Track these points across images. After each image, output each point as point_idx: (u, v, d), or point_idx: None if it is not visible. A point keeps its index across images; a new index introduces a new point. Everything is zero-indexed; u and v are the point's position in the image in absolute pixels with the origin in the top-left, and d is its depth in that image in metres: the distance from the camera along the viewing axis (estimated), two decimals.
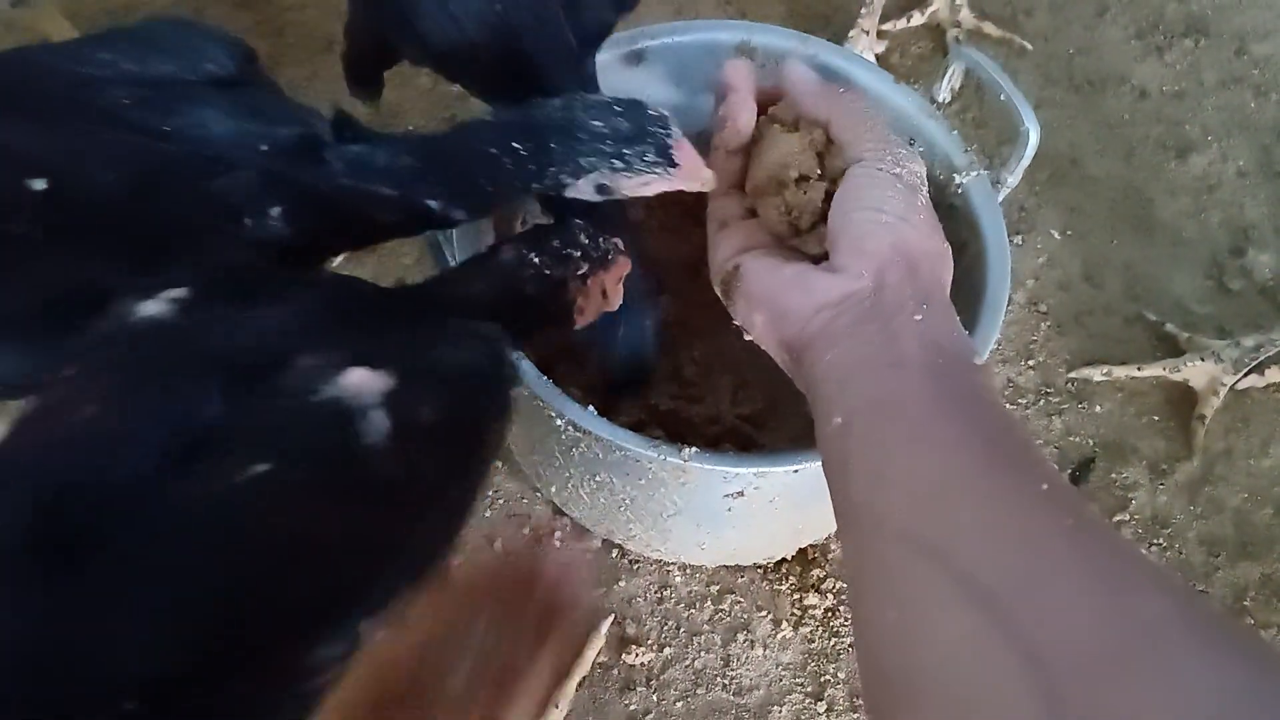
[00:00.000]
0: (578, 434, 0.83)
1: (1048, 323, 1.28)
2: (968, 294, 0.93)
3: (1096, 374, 1.24)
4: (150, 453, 0.46)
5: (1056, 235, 1.35)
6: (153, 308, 0.54)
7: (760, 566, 1.10)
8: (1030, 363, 1.25)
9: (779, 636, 1.07)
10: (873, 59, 1.43)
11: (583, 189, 0.72)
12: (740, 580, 1.10)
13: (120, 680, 0.42)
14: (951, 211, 0.98)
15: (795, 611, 1.08)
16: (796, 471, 0.82)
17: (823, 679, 1.05)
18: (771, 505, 0.91)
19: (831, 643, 1.07)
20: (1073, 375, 1.24)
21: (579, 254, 0.73)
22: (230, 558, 0.45)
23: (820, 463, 0.79)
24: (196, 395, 0.49)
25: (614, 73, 1.03)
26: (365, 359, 0.52)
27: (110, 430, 0.47)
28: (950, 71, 1.01)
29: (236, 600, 0.45)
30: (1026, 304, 1.29)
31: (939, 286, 0.69)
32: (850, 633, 1.07)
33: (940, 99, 1.03)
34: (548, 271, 0.72)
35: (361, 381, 0.51)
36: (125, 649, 0.42)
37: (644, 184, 0.72)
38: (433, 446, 0.54)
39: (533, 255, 0.72)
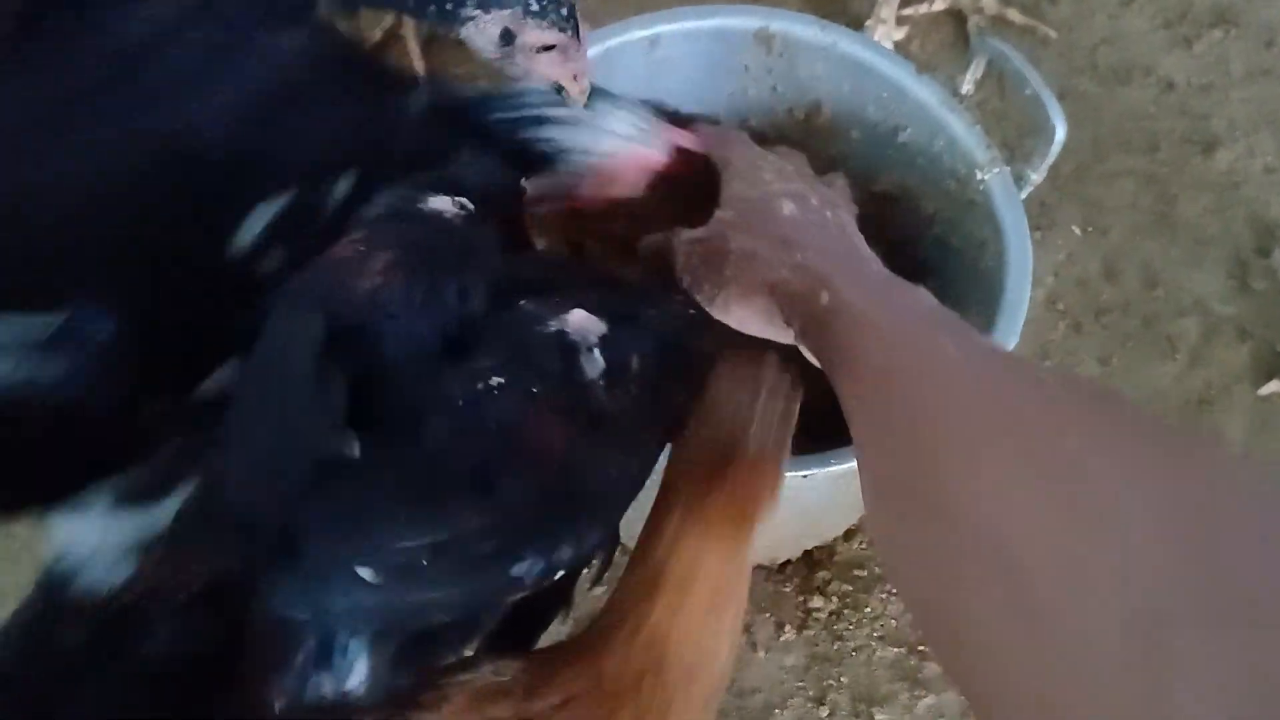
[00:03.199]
0: None
1: (1066, 321, 1.25)
2: (986, 295, 0.90)
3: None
4: (430, 336, 0.55)
5: (1077, 231, 1.32)
6: (443, 204, 0.61)
7: (764, 568, 1.08)
8: (1047, 363, 1.22)
9: (782, 639, 1.05)
10: (892, 46, 1.39)
11: (485, 29, 0.70)
12: None
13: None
14: (972, 208, 0.95)
15: (799, 614, 1.06)
16: (806, 477, 0.80)
17: (825, 683, 1.03)
18: (779, 510, 0.89)
19: (835, 646, 1.04)
20: (1261, 392, 1.21)
21: None
22: (474, 452, 0.52)
23: (829, 469, 0.77)
24: (472, 299, 0.57)
25: (630, 56, 1.00)
26: (587, 305, 0.59)
27: (403, 301, 0.54)
28: (975, 64, 0.98)
29: (472, 493, 0.51)
30: (1044, 302, 1.26)
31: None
32: (853, 637, 1.05)
33: (964, 91, 1.00)
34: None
35: (583, 321, 0.58)
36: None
37: (545, 39, 0.71)
38: (637, 392, 0.59)
39: None
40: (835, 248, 0.73)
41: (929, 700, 1.02)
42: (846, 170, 1.06)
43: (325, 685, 0.50)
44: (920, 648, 1.04)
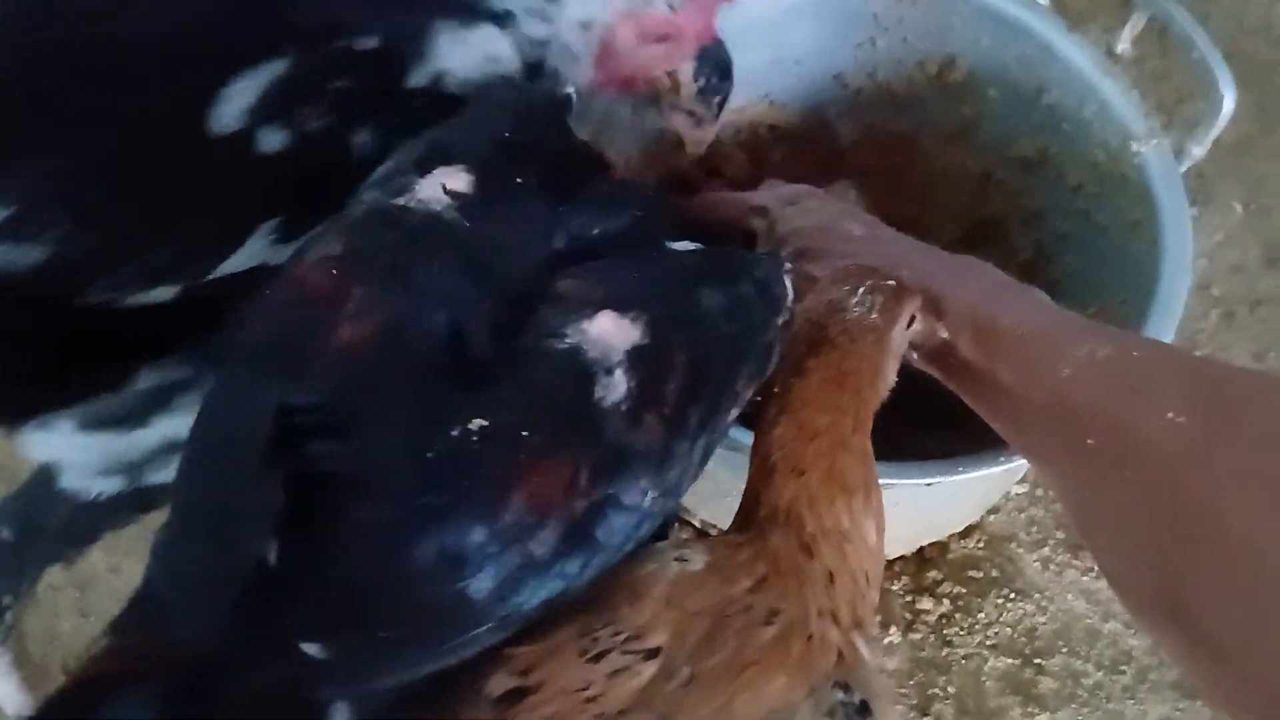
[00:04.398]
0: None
1: (1218, 310, 1.14)
2: (1135, 282, 0.81)
3: None
4: (415, 395, 0.46)
5: (1238, 209, 1.20)
6: (432, 192, 0.51)
7: None
8: (1197, 354, 1.11)
9: (886, 641, 0.97)
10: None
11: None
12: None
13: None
14: (1123, 184, 0.85)
15: (906, 615, 0.98)
16: (930, 485, 0.72)
17: (930, 691, 0.95)
18: (894, 509, 0.82)
19: (943, 653, 0.97)
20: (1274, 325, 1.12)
21: None
22: (453, 503, 0.45)
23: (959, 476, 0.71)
24: (471, 334, 0.48)
25: (758, 4, 0.93)
26: (625, 296, 0.50)
27: (381, 361, 0.46)
28: (1134, 20, 0.88)
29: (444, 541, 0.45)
30: (1196, 287, 1.14)
31: None
32: (963, 644, 0.97)
33: (1119, 50, 0.90)
34: None
35: (609, 331, 0.49)
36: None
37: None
38: (674, 412, 0.51)
39: None
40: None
41: (1042, 718, 0.94)
42: (980, 132, 0.97)
43: None
44: (1037, 660, 0.96)
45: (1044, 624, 0.98)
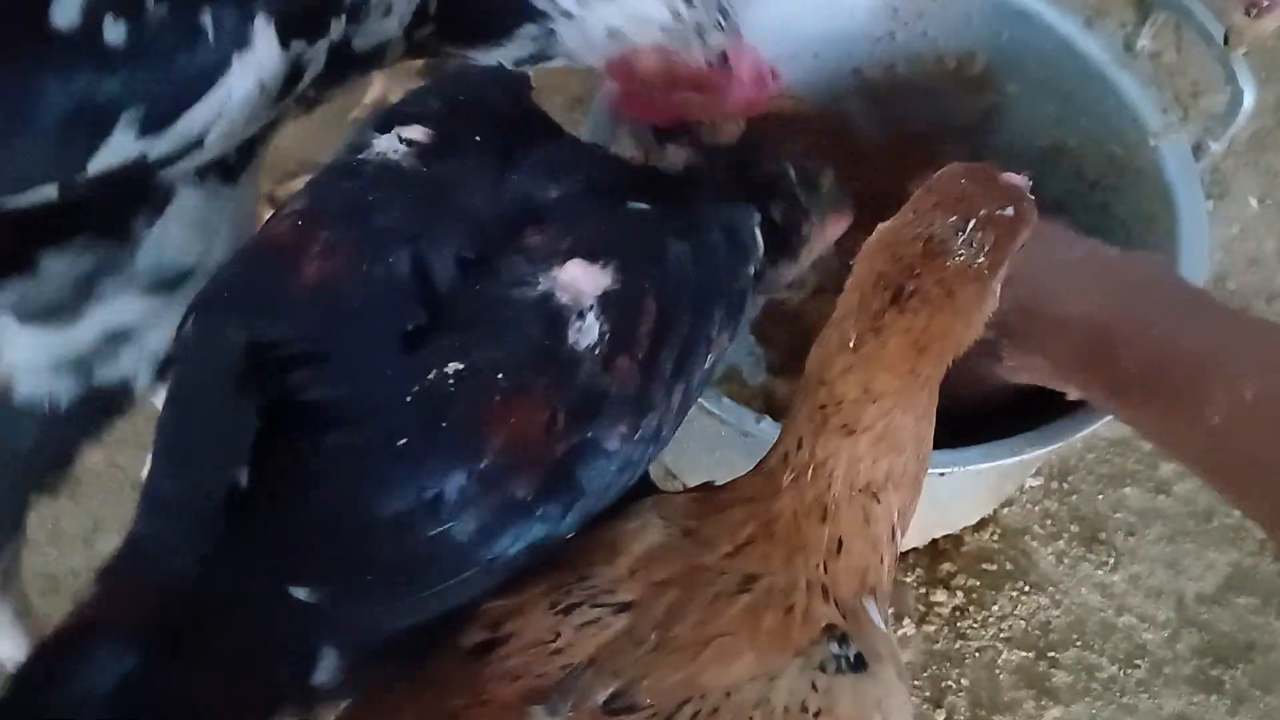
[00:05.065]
0: (699, 412, 0.75)
1: (1235, 303, 1.14)
2: None
3: None
4: (386, 329, 0.47)
5: (1254, 203, 1.20)
6: (388, 144, 0.53)
7: None
8: None
9: (899, 633, 0.98)
10: None
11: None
12: None
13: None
14: (1140, 177, 0.86)
15: (920, 607, 0.99)
16: (943, 475, 0.73)
17: (944, 684, 0.96)
18: None
19: (957, 645, 0.97)
20: None
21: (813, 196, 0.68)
22: (430, 445, 0.46)
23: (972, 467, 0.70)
24: (435, 266, 0.49)
25: None
26: (591, 246, 0.51)
27: (349, 294, 0.48)
28: (1153, 18, 0.88)
29: (414, 510, 0.46)
30: (1212, 281, 1.15)
31: None
32: (976, 636, 0.98)
33: (1139, 46, 0.90)
34: (796, 199, 0.66)
35: (578, 278, 0.50)
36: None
37: None
38: (648, 356, 0.51)
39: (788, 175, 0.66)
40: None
41: (1055, 711, 0.94)
42: (1000, 126, 0.98)
43: (292, 683, 0.49)
44: (1051, 653, 0.96)
45: (1058, 617, 0.98)
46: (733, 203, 0.59)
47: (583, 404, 0.49)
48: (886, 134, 1.01)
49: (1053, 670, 0.96)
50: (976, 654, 0.97)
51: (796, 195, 0.66)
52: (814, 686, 0.47)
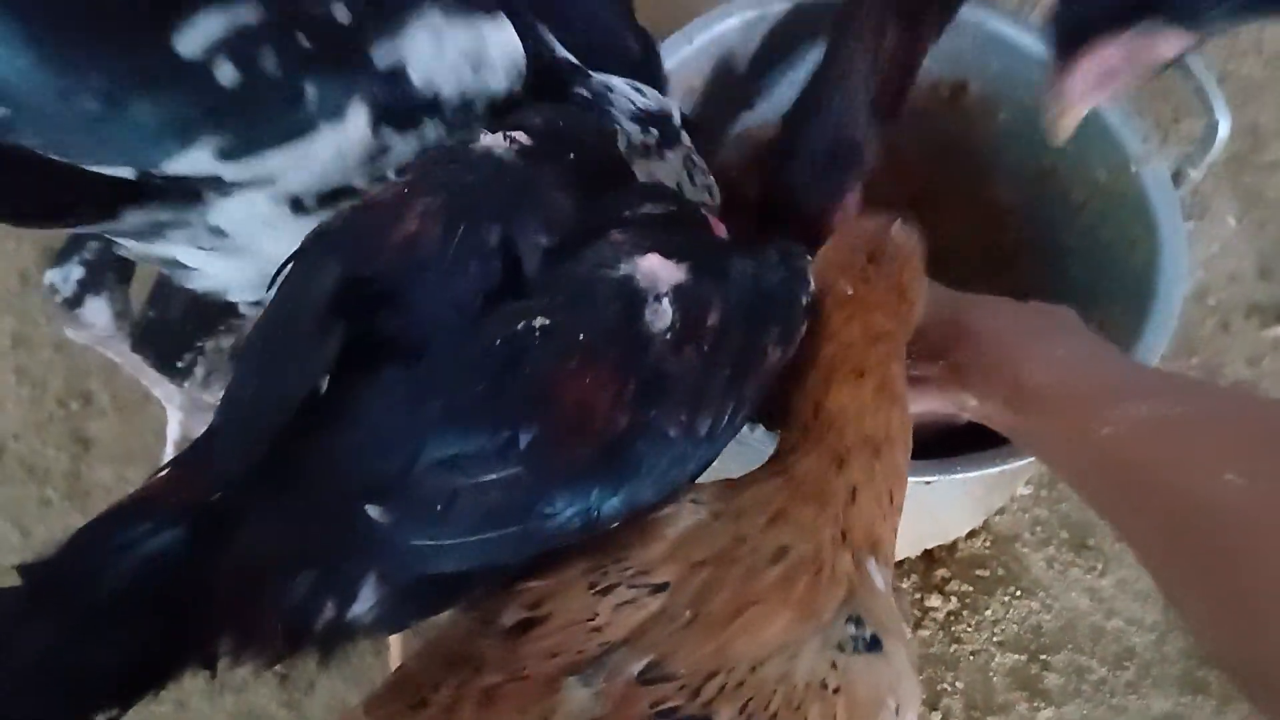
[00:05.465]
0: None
1: (1214, 318, 1.18)
2: (1135, 293, 0.85)
3: None
4: (467, 286, 0.51)
5: (1232, 222, 1.24)
6: (493, 141, 0.57)
7: None
8: (1194, 360, 1.16)
9: None
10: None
11: None
12: None
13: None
14: (1124, 201, 0.90)
15: (915, 612, 1.02)
16: (929, 484, 0.77)
17: (939, 686, 0.99)
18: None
19: (952, 649, 1.01)
20: (1265, 333, 1.17)
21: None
22: (501, 393, 0.50)
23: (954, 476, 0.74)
24: (521, 245, 0.53)
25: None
26: (669, 248, 0.55)
27: (436, 252, 0.52)
28: None
29: (493, 439, 0.49)
30: (1194, 296, 1.19)
31: None
32: (971, 640, 1.01)
33: None
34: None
35: (656, 267, 0.54)
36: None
37: None
38: (711, 351, 0.55)
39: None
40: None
41: (1048, 712, 0.98)
42: (991, 153, 1.02)
43: (328, 613, 0.50)
44: (1042, 656, 1.00)
45: (1049, 621, 1.02)
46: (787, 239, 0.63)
47: (650, 383, 0.52)
48: (882, 159, 1.05)
49: (1045, 672, 1.00)
50: (971, 657, 1.01)
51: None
52: (833, 665, 0.50)
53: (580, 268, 0.53)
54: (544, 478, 0.51)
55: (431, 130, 0.64)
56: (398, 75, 0.61)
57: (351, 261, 0.51)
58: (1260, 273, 1.22)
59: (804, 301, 0.61)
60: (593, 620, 0.51)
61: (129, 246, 0.66)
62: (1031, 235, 1.02)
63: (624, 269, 0.53)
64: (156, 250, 0.65)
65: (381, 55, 0.60)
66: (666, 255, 0.54)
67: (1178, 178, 0.87)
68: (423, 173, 0.56)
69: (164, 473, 0.51)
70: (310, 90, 0.56)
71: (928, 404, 0.75)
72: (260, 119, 0.56)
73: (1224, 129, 0.83)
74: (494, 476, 0.49)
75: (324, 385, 0.48)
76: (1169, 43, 0.70)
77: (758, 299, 0.58)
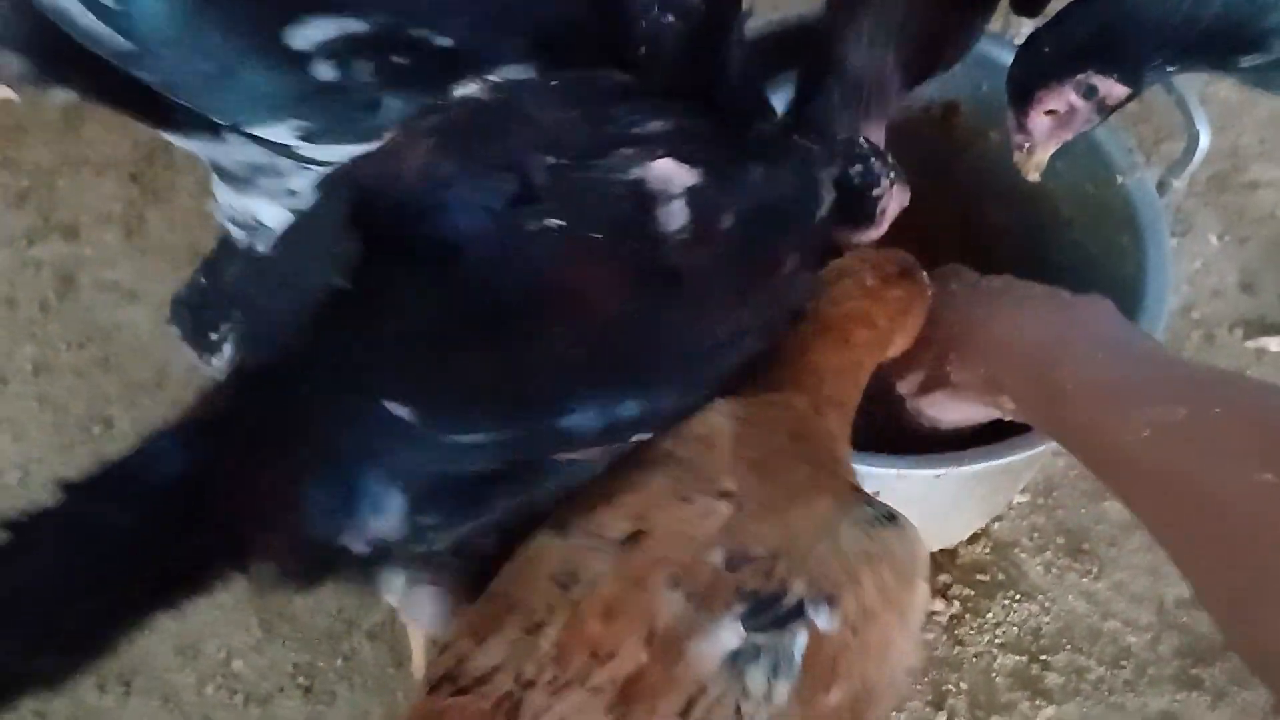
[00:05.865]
0: None
1: (1200, 331, 1.22)
2: (1124, 302, 0.88)
3: (1274, 344, 1.20)
4: (485, 196, 0.52)
5: (1215, 240, 1.29)
6: (472, 88, 0.58)
7: None
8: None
9: None
10: None
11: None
12: None
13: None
14: (1110, 214, 0.94)
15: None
16: (939, 476, 0.80)
17: (944, 688, 1.02)
18: (906, 508, 0.88)
19: (955, 651, 1.04)
20: (1249, 344, 1.20)
21: (884, 164, 0.73)
22: (517, 290, 0.51)
23: (962, 469, 0.78)
24: (529, 158, 0.53)
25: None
26: (682, 153, 0.55)
27: (455, 169, 0.53)
28: None
29: (509, 332, 0.51)
30: (1179, 310, 1.23)
31: None
32: (973, 642, 1.04)
33: None
34: (872, 167, 0.73)
35: (668, 169, 0.54)
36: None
37: None
38: (725, 251, 0.56)
39: (862, 147, 0.72)
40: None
41: (1049, 711, 1.01)
42: (984, 171, 1.06)
43: (353, 529, 0.52)
44: (1043, 656, 1.03)
45: (1048, 623, 1.05)
46: (810, 148, 0.65)
47: (664, 281, 0.54)
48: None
49: (1045, 673, 1.03)
50: (974, 659, 1.04)
51: (871, 160, 0.73)
52: (869, 537, 0.57)
53: (592, 174, 0.54)
54: (563, 370, 0.52)
55: None
56: None
57: (370, 187, 0.53)
58: (1242, 287, 1.26)
59: (818, 211, 0.64)
60: (686, 529, 0.56)
61: (226, 201, 0.70)
62: (1022, 251, 1.06)
63: (635, 173, 0.54)
64: (247, 202, 0.68)
65: (462, 89, 0.64)
66: (680, 159, 0.55)
67: (1162, 188, 0.92)
68: (409, 126, 0.57)
69: (199, 394, 0.53)
70: (389, 103, 0.60)
71: (968, 410, 0.78)
72: (341, 115, 0.60)
73: (1205, 140, 0.87)
74: (516, 369, 0.51)
75: (344, 284, 0.49)
76: (1111, 90, 0.77)
77: (773, 205, 0.59)
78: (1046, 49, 0.77)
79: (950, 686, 1.02)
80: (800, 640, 0.53)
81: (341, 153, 0.62)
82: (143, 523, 0.48)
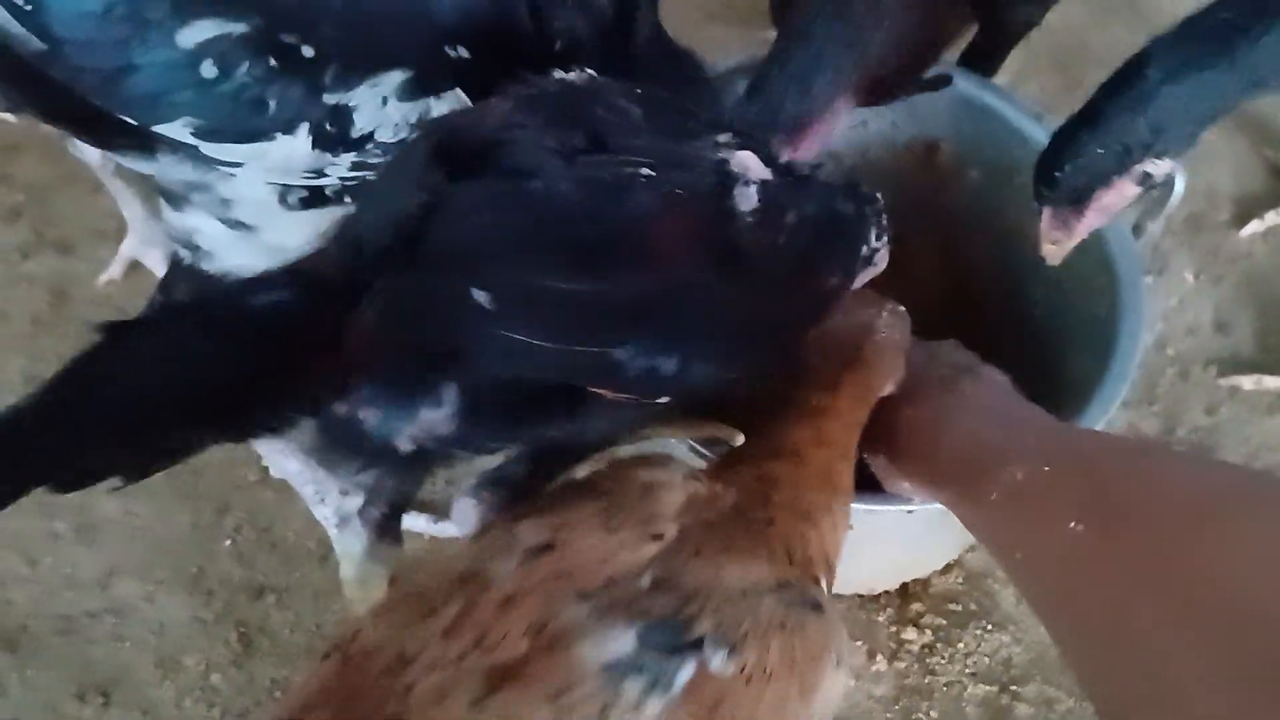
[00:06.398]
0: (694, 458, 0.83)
1: (1175, 368, 1.25)
2: (1098, 340, 0.90)
3: (1247, 382, 1.22)
4: (570, 137, 0.57)
5: (1190, 278, 1.31)
6: (562, 75, 0.63)
7: (858, 596, 1.09)
8: (1154, 408, 1.22)
9: (873, 669, 1.05)
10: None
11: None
12: (837, 607, 1.09)
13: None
14: (1086, 254, 0.95)
15: (891, 645, 1.07)
16: (911, 512, 0.81)
17: (914, 716, 1.03)
18: (876, 540, 0.90)
19: (926, 680, 1.05)
20: (1222, 382, 1.23)
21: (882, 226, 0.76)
22: (598, 221, 0.56)
23: (930, 506, 0.79)
24: (604, 122, 0.59)
25: None
26: (758, 153, 0.61)
27: (533, 117, 0.58)
28: None
29: (590, 257, 0.55)
30: (1154, 347, 1.26)
31: None
32: (944, 671, 1.06)
33: None
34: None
35: (748, 159, 0.60)
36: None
37: None
38: (785, 243, 0.61)
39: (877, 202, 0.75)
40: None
41: None
42: (964, 209, 1.08)
43: (406, 417, 0.57)
44: (1013, 687, 1.04)
45: (1019, 654, 1.07)
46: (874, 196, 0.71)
47: (731, 248, 0.59)
48: None
49: (1015, 703, 1.04)
50: (945, 688, 1.05)
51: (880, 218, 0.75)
52: (788, 612, 0.59)
53: (678, 144, 0.59)
54: (625, 305, 0.56)
55: (371, 156, 0.73)
56: (341, 112, 0.70)
57: (454, 129, 0.59)
58: (1217, 326, 1.28)
59: (864, 246, 0.68)
60: (602, 554, 0.59)
61: (170, 220, 0.77)
62: (999, 287, 1.08)
63: (721, 154, 0.60)
64: (187, 220, 0.76)
65: (331, 96, 0.70)
66: (757, 155, 0.60)
67: (1137, 230, 0.94)
68: (503, 91, 0.62)
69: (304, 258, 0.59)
70: (273, 103, 0.68)
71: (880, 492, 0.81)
72: (229, 113, 0.67)
73: (1180, 184, 0.89)
74: (585, 288, 0.55)
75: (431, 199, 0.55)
76: (1160, 168, 0.80)
77: (830, 218, 0.65)
78: (1099, 150, 0.79)
79: (921, 715, 1.04)
80: (686, 670, 0.55)
81: (239, 152, 0.69)
82: (228, 342, 0.52)
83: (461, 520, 0.67)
